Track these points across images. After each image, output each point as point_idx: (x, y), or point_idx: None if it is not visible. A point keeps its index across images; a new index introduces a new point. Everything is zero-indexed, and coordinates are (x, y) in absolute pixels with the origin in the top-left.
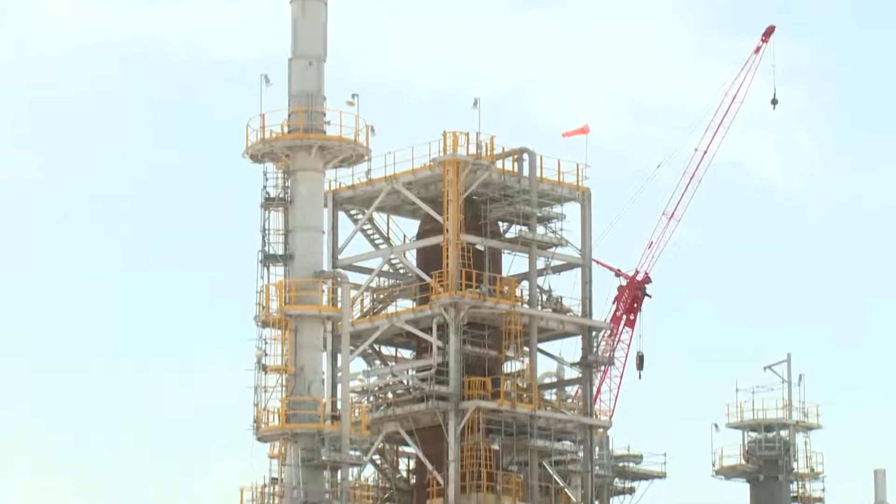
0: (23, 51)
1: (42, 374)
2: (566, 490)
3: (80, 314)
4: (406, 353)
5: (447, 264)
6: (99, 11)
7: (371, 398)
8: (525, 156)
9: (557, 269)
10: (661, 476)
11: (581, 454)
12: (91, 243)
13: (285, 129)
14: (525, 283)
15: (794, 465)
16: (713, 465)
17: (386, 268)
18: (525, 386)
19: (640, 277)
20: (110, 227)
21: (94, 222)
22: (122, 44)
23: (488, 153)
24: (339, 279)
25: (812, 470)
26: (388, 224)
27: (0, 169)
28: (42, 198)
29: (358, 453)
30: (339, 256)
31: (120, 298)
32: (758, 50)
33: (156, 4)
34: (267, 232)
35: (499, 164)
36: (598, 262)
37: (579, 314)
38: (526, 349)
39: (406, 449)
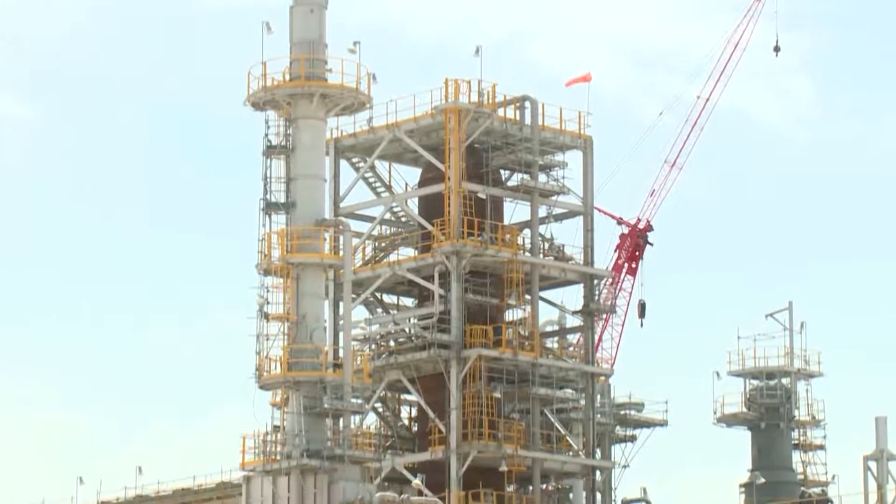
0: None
1: (52, 321)
2: (567, 438)
3: (86, 262)
4: (408, 302)
5: (449, 212)
6: None
7: (373, 346)
8: (527, 104)
9: (559, 218)
10: (663, 424)
11: (582, 402)
12: (92, 191)
13: (287, 77)
14: (527, 232)
15: (796, 412)
16: (714, 412)
17: (388, 216)
18: (527, 334)
19: (641, 226)
20: (111, 176)
21: (94, 171)
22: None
23: (490, 101)
24: (340, 227)
25: (813, 417)
26: (389, 172)
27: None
28: (43, 143)
29: (360, 401)
30: (341, 204)
31: (122, 245)
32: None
33: None
34: (269, 180)
35: (500, 111)
36: (599, 211)
37: (581, 262)
38: (527, 297)
39: (408, 397)
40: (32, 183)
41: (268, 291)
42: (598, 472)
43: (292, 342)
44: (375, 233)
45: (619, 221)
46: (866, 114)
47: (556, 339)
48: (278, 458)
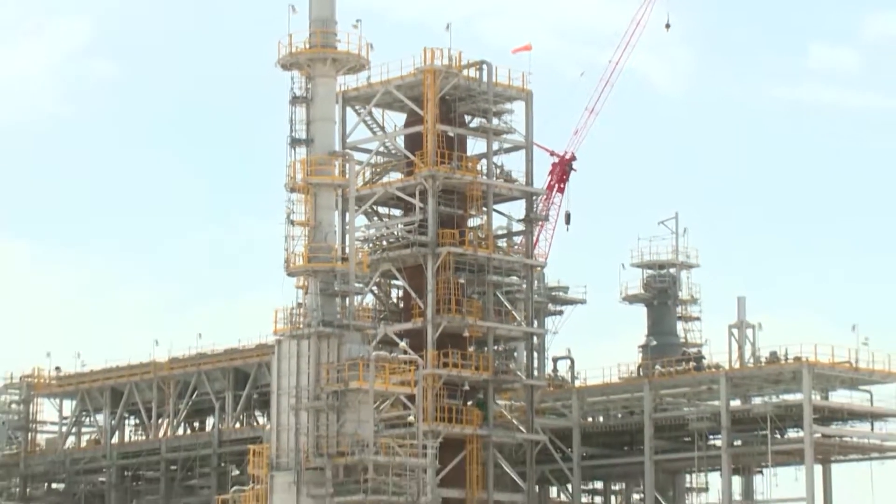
0: None
1: (146, 224)
2: (513, 312)
3: (164, 183)
4: (396, 212)
5: (426, 146)
6: None
7: (370, 245)
8: (484, 66)
9: (507, 151)
10: (583, 302)
11: (524, 286)
12: (160, 131)
13: (307, 46)
14: (484, 161)
15: (679, 293)
16: (620, 293)
17: (381, 149)
18: (483, 236)
19: (568, 156)
20: (175, 118)
21: (162, 114)
22: None
23: (457, 64)
24: (346, 157)
25: (692, 297)
26: (382, 117)
27: (89, 69)
28: (124, 94)
29: (360, 285)
30: (347, 140)
31: (187, 172)
32: None
33: None
34: (293, 122)
35: (465, 72)
36: (537, 145)
37: (523, 183)
38: (484, 209)
39: (396, 282)
40: (117, 125)
41: (293, 204)
42: (534, 338)
43: (311, 242)
44: (372, 161)
45: (552, 153)
46: (728, 74)
47: (505, 240)
48: (301, 326)
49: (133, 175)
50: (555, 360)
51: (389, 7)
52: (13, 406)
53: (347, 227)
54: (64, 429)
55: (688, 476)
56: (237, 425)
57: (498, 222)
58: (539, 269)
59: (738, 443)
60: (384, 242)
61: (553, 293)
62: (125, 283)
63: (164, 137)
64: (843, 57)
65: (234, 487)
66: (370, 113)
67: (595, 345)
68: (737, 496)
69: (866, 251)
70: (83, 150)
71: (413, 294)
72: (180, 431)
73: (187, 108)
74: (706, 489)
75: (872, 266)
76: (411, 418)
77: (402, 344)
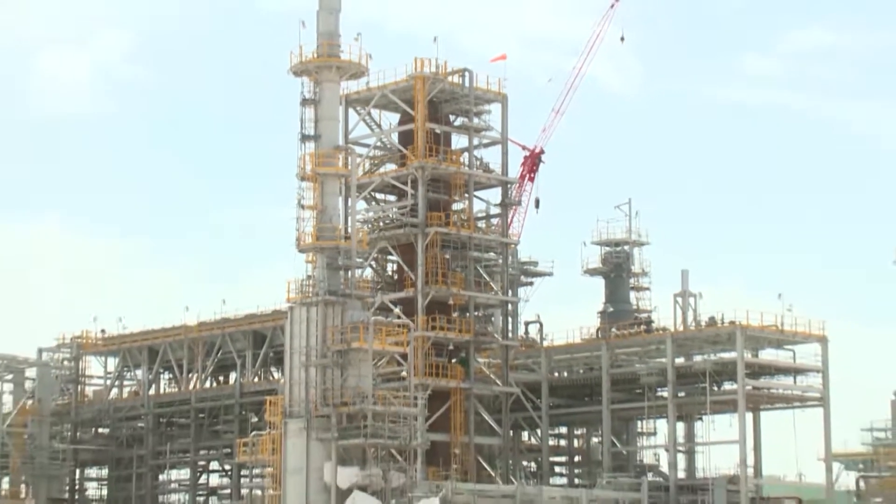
0: None
1: (173, 203)
2: (491, 283)
3: (181, 173)
4: (391, 198)
5: (417, 142)
6: None
7: (369, 226)
8: (466, 73)
9: (486, 145)
10: (550, 274)
11: (500, 261)
12: (187, 127)
13: (315, 56)
14: (466, 154)
15: (632, 267)
16: (582, 267)
17: (378, 144)
18: (465, 218)
19: (537, 150)
20: (201, 117)
21: (189, 113)
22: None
23: (443, 71)
24: (349, 151)
25: (643, 270)
26: (379, 116)
27: (128, 74)
28: (154, 96)
29: (361, 260)
30: (349, 136)
31: (210, 161)
32: (612, 6)
33: None
34: (303, 121)
35: (449, 78)
36: (511, 141)
37: (500, 173)
38: (466, 196)
39: (391, 258)
40: (152, 121)
41: (303, 191)
42: (509, 305)
43: (319, 223)
44: (370, 154)
45: (523, 148)
46: (673, 79)
47: (483, 221)
48: (310, 295)
49: (164, 164)
50: (526, 323)
51: (386, 22)
52: (65, 363)
53: (349, 211)
54: (108, 382)
55: (639, 422)
56: (256, 379)
57: (478, 206)
58: (513, 246)
59: (681, 394)
60: (381, 224)
61: (524, 267)
62: (160, 257)
63: (190, 133)
64: (770, 64)
65: (254, 432)
66: (369, 113)
67: (560, 311)
68: (680, 439)
69: (791, 230)
70: (123, 141)
71: (405, 268)
72: (207, 384)
73: (212, 108)
74: (654, 433)
75: (796, 243)
76: (404, 373)
77: (397, 311)
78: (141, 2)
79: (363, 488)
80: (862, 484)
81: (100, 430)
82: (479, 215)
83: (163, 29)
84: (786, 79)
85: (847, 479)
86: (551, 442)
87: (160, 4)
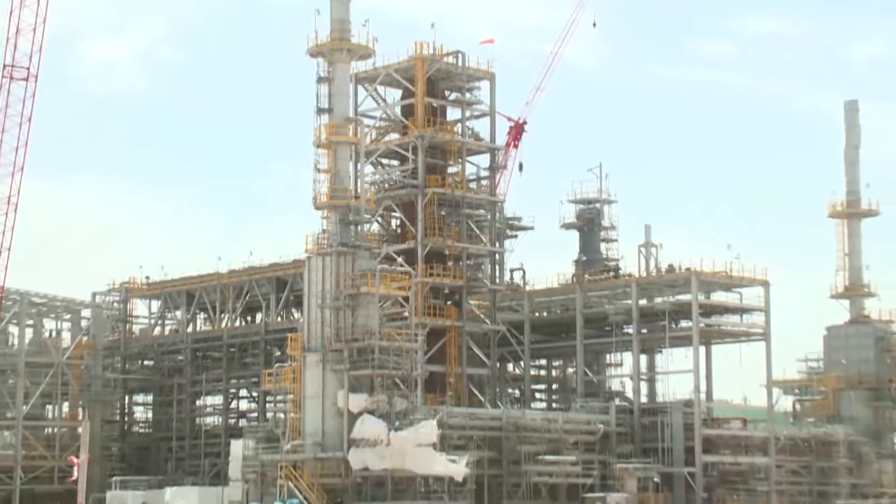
0: None
1: (194, 169)
2: (480, 236)
3: (211, 141)
4: (395, 163)
5: (417, 114)
6: None
7: (375, 187)
8: (459, 55)
9: (476, 117)
10: (532, 228)
11: (488, 217)
12: (215, 104)
13: (329, 39)
14: (459, 125)
15: (602, 222)
16: (559, 222)
17: (383, 116)
18: (459, 180)
19: (521, 121)
20: (228, 94)
21: (217, 92)
22: None
23: (439, 53)
24: (358, 122)
25: (612, 225)
26: (384, 92)
27: (162, 55)
28: (186, 75)
29: (368, 216)
30: (358, 110)
31: (233, 132)
32: None
33: None
34: (318, 96)
35: (445, 59)
36: (498, 114)
37: (488, 141)
38: (460, 160)
39: (394, 214)
40: (184, 98)
41: (319, 157)
42: (496, 255)
43: (332, 185)
44: (377, 125)
45: (509, 119)
46: (639, 60)
47: (474, 183)
48: (325, 247)
49: (195, 134)
50: (511, 271)
51: (389, 10)
52: (115, 305)
53: (359, 174)
54: (152, 321)
55: (608, 355)
56: (278, 319)
57: (469, 170)
58: (499, 204)
59: (644, 331)
60: (385, 185)
61: (510, 222)
62: (196, 214)
63: (218, 108)
64: (725, 47)
65: (277, 364)
66: (375, 89)
67: (540, 260)
68: (643, 369)
69: (739, 189)
70: (159, 115)
71: (407, 223)
72: (237, 323)
73: (238, 86)
74: (621, 364)
75: (743, 200)
76: (406, 314)
77: (400, 260)
78: None
79: (371, 412)
80: (797, 406)
81: (145, 362)
82: (471, 178)
83: (192, 17)
84: (733, 59)
85: (785, 402)
86: (532, 372)
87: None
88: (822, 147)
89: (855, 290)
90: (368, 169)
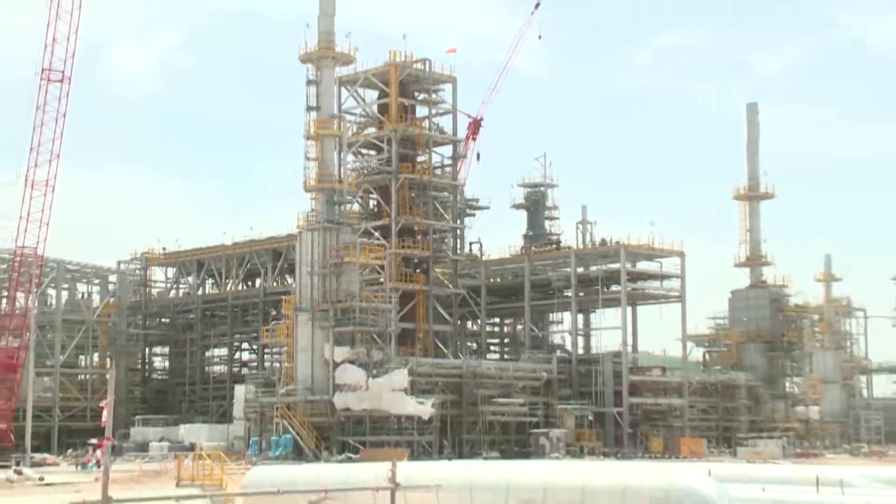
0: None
1: (203, 156)
2: (444, 214)
3: (216, 133)
4: (372, 152)
5: (391, 111)
6: None
7: (356, 172)
8: (426, 61)
9: (441, 114)
10: (487, 208)
11: (451, 198)
12: (220, 101)
13: (317, 48)
14: (426, 121)
15: (547, 203)
16: (510, 203)
17: (363, 113)
18: (426, 167)
19: (479, 118)
20: (232, 93)
21: (223, 91)
22: (220, 7)
23: (409, 60)
24: (341, 118)
25: (554, 205)
26: (364, 92)
27: (177, 60)
28: (198, 77)
29: (350, 197)
30: (342, 107)
31: (235, 125)
32: (533, 12)
33: None
34: (308, 96)
35: (415, 65)
36: (459, 111)
37: (451, 135)
38: (426, 151)
39: (372, 196)
40: (194, 97)
41: (308, 147)
42: (458, 231)
43: (320, 171)
44: (357, 121)
45: (468, 116)
46: (575, 66)
47: (439, 169)
48: (314, 223)
49: (204, 129)
50: (470, 244)
51: (369, 22)
52: (136, 271)
53: (342, 162)
54: (168, 285)
55: (550, 315)
56: (275, 284)
57: (435, 159)
58: (460, 187)
59: (581, 294)
60: (364, 171)
61: (469, 203)
62: (205, 196)
63: (222, 107)
64: (642, 56)
65: (273, 322)
66: (356, 91)
67: (494, 234)
68: (580, 326)
69: (660, 174)
70: (174, 113)
71: (383, 203)
72: (240, 287)
73: (240, 87)
74: (561, 322)
75: (664, 183)
76: (382, 280)
77: (377, 235)
78: (185, 7)
79: (352, 362)
80: (707, 356)
81: (162, 319)
82: (436, 165)
83: (201, 29)
84: (653, 67)
85: (696, 354)
86: (487, 329)
87: (199, 10)
88: (729, 142)
89: (754, 261)
90: (350, 158)
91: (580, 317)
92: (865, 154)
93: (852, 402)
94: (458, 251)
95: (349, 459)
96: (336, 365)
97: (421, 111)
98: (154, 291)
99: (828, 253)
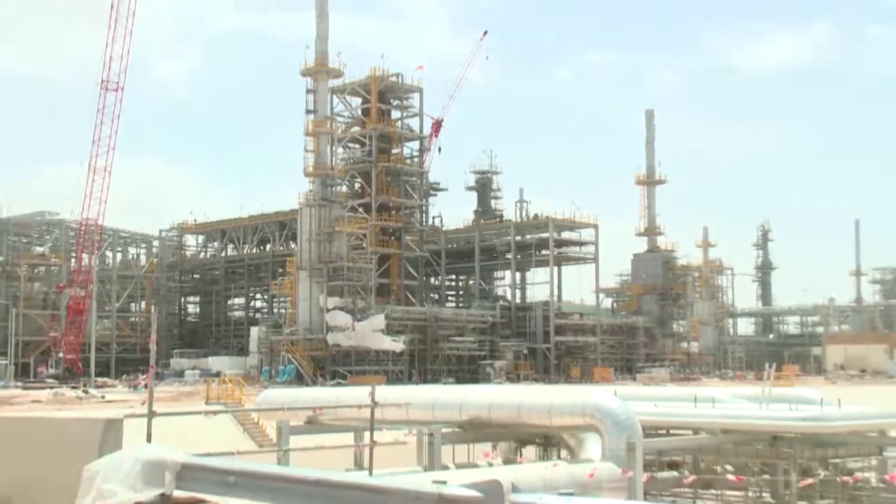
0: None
1: (219, 150)
2: (413, 194)
3: (228, 129)
4: (357, 146)
5: (372, 114)
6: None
7: (344, 161)
8: (399, 75)
9: (411, 116)
10: (446, 190)
11: (419, 182)
12: (231, 105)
13: (314, 65)
14: (399, 122)
15: (493, 186)
16: (465, 185)
17: (350, 115)
18: (399, 158)
19: (440, 119)
20: (242, 101)
21: (235, 97)
22: (237, 31)
23: (387, 74)
24: (332, 119)
25: (499, 188)
26: (351, 99)
27: (199, 74)
28: (209, 89)
29: (338, 179)
30: (334, 111)
31: (245, 125)
32: (482, 38)
33: (249, 9)
34: (307, 102)
35: (391, 78)
36: (425, 114)
37: (419, 132)
38: (399, 145)
39: (357, 180)
40: (208, 101)
41: (307, 142)
42: (423, 207)
43: (316, 160)
44: (345, 122)
45: (432, 118)
46: (518, 74)
47: (409, 159)
48: (311, 201)
49: (227, 129)
50: (433, 217)
51: (354, 44)
52: (174, 238)
53: (333, 153)
54: (198, 249)
55: (495, 272)
56: (281, 248)
57: (406, 152)
58: (425, 174)
59: (518, 257)
60: (351, 161)
61: (432, 185)
62: (227, 180)
63: (240, 111)
64: (566, 72)
65: (280, 278)
66: (345, 98)
67: (452, 210)
68: (518, 282)
69: (581, 161)
70: (203, 117)
71: (366, 186)
72: (254, 251)
73: (254, 95)
74: (503, 279)
75: (584, 170)
76: (364, 245)
77: (360, 210)
78: (208, 30)
79: (341, 309)
80: (614, 304)
81: (194, 275)
82: (407, 157)
83: (222, 48)
84: (576, 81)
85: (606, 302)
86: (446, 283)
87: (219, 32)
88: (631, 139)
89: (651, 231)
90: (340, 150)
91: (518, 274)
92: (734, 150)
93: (722, 339)
94: (424, 223)
95: (339, 384)
96: (329, 311)
97: (395, 114)
98: (187, 253)
99: (705, 225)
